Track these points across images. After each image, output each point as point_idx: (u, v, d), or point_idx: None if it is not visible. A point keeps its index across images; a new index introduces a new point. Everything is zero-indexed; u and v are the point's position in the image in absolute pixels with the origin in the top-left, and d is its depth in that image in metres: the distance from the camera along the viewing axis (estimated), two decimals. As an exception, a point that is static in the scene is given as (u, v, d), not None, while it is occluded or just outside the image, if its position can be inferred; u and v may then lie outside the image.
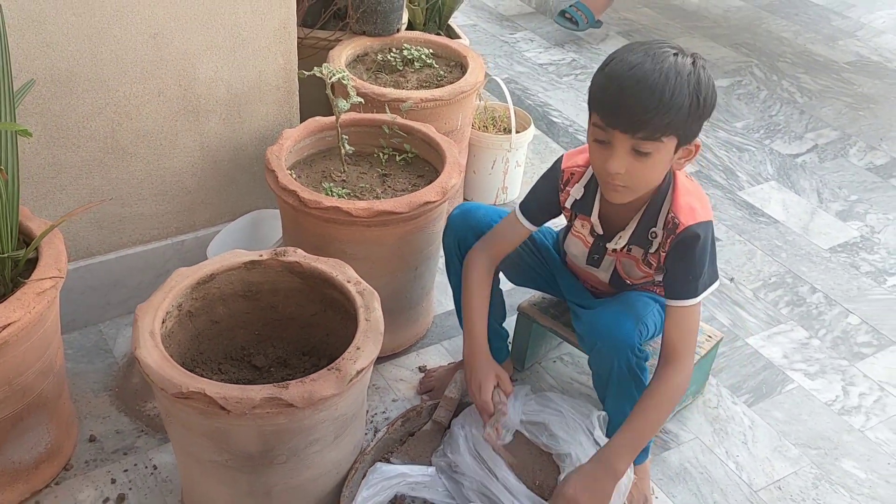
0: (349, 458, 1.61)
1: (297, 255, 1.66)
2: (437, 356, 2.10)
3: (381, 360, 2.05)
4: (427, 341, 2.14)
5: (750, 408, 2.03)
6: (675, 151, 1.46)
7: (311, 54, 2.42)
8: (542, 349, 2.10)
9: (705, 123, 1.50)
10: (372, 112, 2.12)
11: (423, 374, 2.03)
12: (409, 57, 2.42)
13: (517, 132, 2.56)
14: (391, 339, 2.01)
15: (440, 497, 1.61)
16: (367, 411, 1.92)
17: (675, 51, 1.43)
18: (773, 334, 2.26)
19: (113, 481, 1.73)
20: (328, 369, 1.42)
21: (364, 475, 1.61)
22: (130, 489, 1.72)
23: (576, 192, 1.66)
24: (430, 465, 1.68)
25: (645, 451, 1.70)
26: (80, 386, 1.93)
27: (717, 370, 2.11)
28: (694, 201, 1.56)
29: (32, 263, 1.56)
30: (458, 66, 2.46)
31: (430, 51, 2.47)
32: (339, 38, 2.47)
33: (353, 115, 2.06)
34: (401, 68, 2.40)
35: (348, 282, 1.61)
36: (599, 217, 1.64)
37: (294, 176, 1.95)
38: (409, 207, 1.80)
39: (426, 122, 2.10)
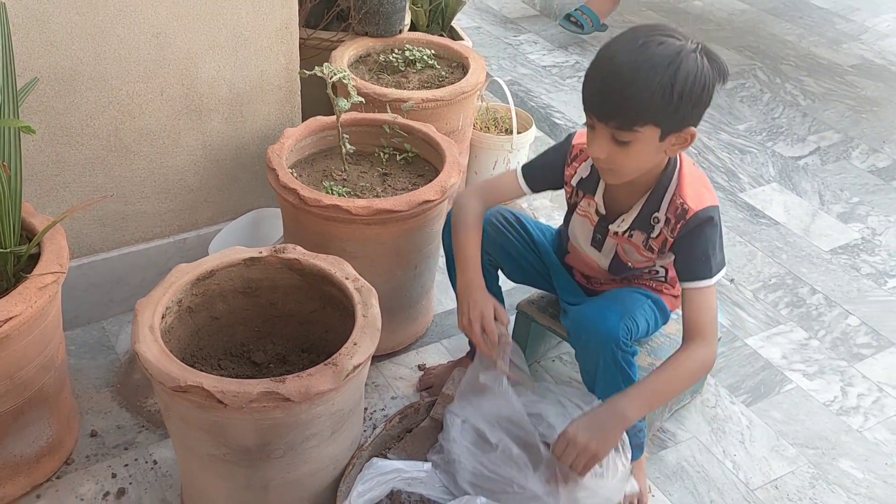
0: (346, 454, 1.62)
1: (297, 252, 1.68)
2: (437, 355, 2.11)
3: (380, 358, 2.06)
4: (427, 340, 2.15)
5: (748, 407, 2.03)
6: (664, 139, 1.45)
7: (313, 55, 2.43)
8: (541, 348, 2.10)
9: (707, 122, 1.50)
10: (373, 112, 2.14)
11: (422, 373, 2.04)
12: (410, 58, 2.43)
13: (518, 133, 2.58)
14: (391, 337, 2.02)
15: (436, 492, 1.62)
16: (366, 409, 1.93)
17: (661, 40, 1.39)
18: (772, 335, 2.26)
19: (113, 476, 1.75)
20: (325, 364, 1.43)
21: (360, 470, 1.62)
22: (131, 483, 1.74)
23: (582, 170, 1.67)
24: (427, 461, 1.69)
25: (640, 447, 1.70)
26: (82, 382, 1.95)
27: (716, 370, 2.11)
28: (700, 187, 1.58)
29: (35, 259, 1.57)
30: (460, 67, 2.47)
31: (432, 52, 2.49)
32: (341, 38, 2.49)
33: (354, 114, 2.08)
34: (402, 69, 2.42)
35: (346, 279, 1.62)
36: (603, 197, 1.65)
37: (295, 175, 1.97)
38: (408, 206, 1.82)
39: (427, 123, 2.11)
